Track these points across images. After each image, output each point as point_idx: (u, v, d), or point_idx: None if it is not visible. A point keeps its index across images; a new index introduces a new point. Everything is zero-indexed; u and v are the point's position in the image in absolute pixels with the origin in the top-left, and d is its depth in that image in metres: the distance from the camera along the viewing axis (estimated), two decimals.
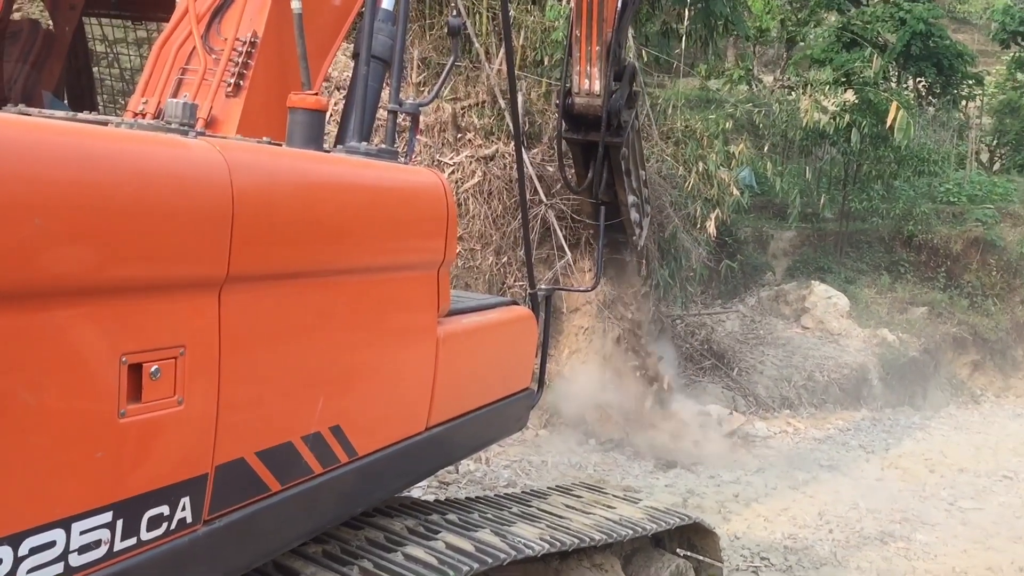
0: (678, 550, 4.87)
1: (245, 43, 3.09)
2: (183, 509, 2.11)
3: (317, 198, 2.56)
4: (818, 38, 22.11)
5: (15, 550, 1.73)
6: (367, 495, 3.04)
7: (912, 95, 20.63)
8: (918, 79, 21.27)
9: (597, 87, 7.45)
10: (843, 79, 17.70)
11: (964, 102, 22.89)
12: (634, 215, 8.67)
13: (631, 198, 8.51)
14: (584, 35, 7.23)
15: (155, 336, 2.00)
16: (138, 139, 2.07)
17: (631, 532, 4.17)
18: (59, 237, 1.74)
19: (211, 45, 3.13)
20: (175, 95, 3.07)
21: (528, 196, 9.18)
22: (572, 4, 7.45)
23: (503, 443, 8.99)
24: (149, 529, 2.02)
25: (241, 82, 3.09)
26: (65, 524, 1.82)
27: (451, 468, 8.21)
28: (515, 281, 9.70)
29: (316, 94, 3.06)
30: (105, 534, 1.91)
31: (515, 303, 4.43)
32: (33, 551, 1.76)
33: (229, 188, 2.13)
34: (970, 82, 21.94)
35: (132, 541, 1.98)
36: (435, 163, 9.70)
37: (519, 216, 8.98)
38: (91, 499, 1.89)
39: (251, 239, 2.21)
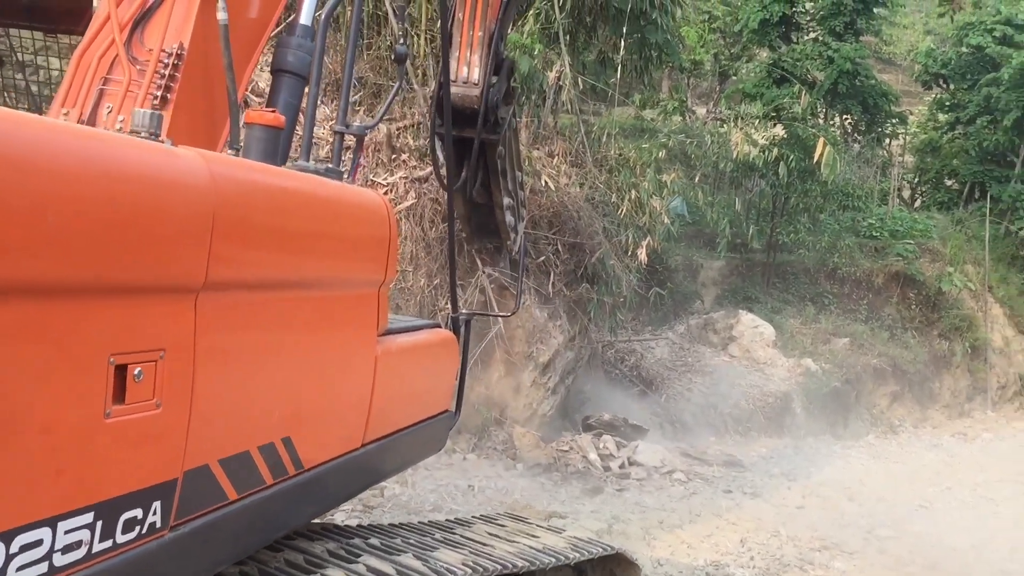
0: None
1: (171, 55, 3.03)
2: (154, 513, 2.13)
3: (285, 212, 2.65)
4: (750, 73, 22.68)
5: (7, 546, 1.73)
6: (307, 509, 3.08)
7: (838, 132, 21.25)
8: (844, 116, 21.94)
9: (476, 75, 6.98)
10: (773, 114, 18.18)
11: (888, 140, 23.68)
12: (508, 218, 8.25)
13: (506, 200, 8.09)
14: (467, 19, 6.84)
15: (140, 338, 2.04)
16: (133, 144, 2.10)
17: (553, 560, 4.16)
18: (58, 235, 1.76)
19: (134, 55, 3.07)
20: (97, 105, 3.00)
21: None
22: None
23: (429, 467, 8.92)
24: (124, 532, 2.04)
25: (168, 95, 3.04)
26: (52, 523, 1.83)
27: (376, 491, 8.11)
28: (446, 304, 9.66)
29: (273, 111, 3.08)
30: (86, 535, 1.92)
31: (438, 325, 4.46)
32: (23, 548, 1.77)
33: (213, 197, 2.19)
34: (894, 121, 22.72)
35: (108, 543, 1.99)
36: (369, 183, 9.64)
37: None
38: (76, 499, 1.90)
39: (228, 247, 2.27)
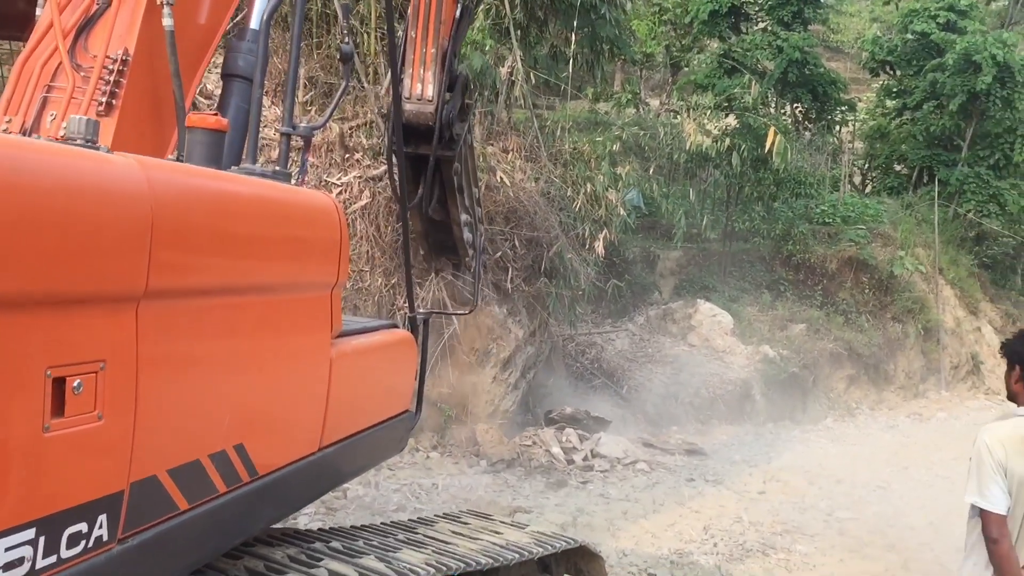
0: (565, 575, 4.89)
1: (116, 61, 2.98)
2: (100, 527, 2.09)
3: (228, 217, 2.60)
4: (701, 64, 22.84)
5: None
6: (264, 515, 3.05)
7: (789, 120, 21.50)
8: (795, 105, 22.20)
9: (430, 92, 6.94)
10: (725, 104, 18.32)
11: (838, 127, 23.98)
12: (466, 234, 8.34)
13: (463, 216, 8.17)
14: (420, 36, 6.83)
15: (78, 350, 2.00)
16: (64, 152, 2.05)
17: (517, 556, 4.17)
18: None
19: (78, 62, 3.01)
20: (40, 113, 2.95)
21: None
22: (410, 5, 6.97)
23: (392, 466, 8.90)
24: (69, 547, 2.01)
25: (113, 101, 3.00)
26: None
27: (339, 493, 8.07)
28: (404, 303, 9.62)
29: (216, 114, 3.04)
30: (28, 551, 1.89)
31: (395, 325, 4.45)
32: None
33: (150, 203, 2.15)
34: (843, 108, 23.03)
35: (53, 559, 1.96)
36: (323, 183, 9.57)
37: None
38: (17, 515, 1.86)
39: (168, 255, 2.23)
